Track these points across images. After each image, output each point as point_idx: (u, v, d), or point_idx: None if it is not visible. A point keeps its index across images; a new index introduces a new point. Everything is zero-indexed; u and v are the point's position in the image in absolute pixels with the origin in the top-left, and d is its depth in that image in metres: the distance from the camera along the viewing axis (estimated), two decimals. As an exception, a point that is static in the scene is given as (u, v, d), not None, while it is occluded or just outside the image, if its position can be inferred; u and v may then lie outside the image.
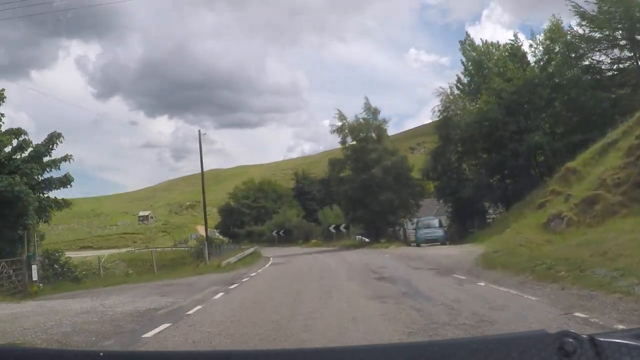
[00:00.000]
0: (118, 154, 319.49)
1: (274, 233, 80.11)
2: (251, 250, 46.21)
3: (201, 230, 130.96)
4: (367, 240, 48.57)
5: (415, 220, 46.06)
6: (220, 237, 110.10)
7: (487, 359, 1.18)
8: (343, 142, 45.53)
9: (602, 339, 1.17)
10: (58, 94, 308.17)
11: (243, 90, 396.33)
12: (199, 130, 39.41)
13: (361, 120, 44.74)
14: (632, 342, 1.18)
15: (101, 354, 1.42)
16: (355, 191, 45.01)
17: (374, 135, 44.77)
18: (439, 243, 35.37)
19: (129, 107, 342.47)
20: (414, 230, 42.28)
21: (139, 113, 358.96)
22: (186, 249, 61.28)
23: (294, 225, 74.84)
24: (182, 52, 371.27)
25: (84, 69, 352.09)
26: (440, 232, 36.29)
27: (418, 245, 35.56)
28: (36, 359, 1.54)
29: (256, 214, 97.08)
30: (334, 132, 45.24)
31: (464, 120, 40.23)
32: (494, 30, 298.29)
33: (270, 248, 67.46)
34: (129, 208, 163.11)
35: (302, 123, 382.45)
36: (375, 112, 44.98)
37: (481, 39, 61.54)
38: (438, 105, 42.57)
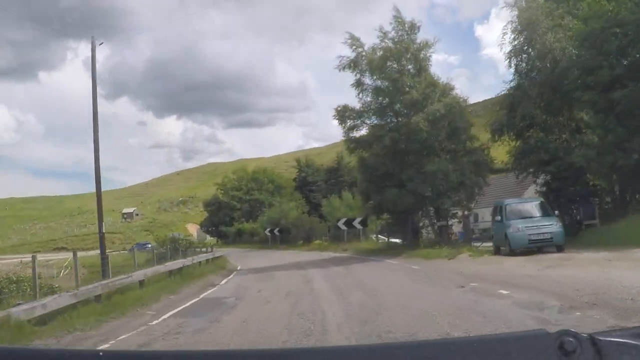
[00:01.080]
0: (126, 154, 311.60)
1: (266, 232, 62.42)
2: (208, 256, 29.44)
3: (192, 228, 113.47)
4: (397, 242, 30.89)
5: (474, 213, 28.33)
6: (209, 237, 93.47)
7: (487, 359, 1.18)
8: (359, 84, 27.61)
9: (601, 338, 1.16)
10: (66, 95, 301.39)
11: (251, 90, 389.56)
12: (92, 37, 21.72)
13: (389, 43, 26.78)
14: (632, 341, 1.16)
15: (101, 353, 1.39)
16: (380, 161, 27.30)
17: (411, 67, 26.90)
18: (553, 248, 18.02)
19: (138, 107, 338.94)
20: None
21: (147, 114, 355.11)
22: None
23: (292, 223, 57.05)
24: (191, 52, 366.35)
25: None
26: (554, 227, 18.42)
27: (514, 254, 17.94)
28: (36, 359, 1.51)
29: (249, 209, 79.56)
30: (343, 68, 27.33)
31: (561, 38, 22.48)
32: None
33: (258, 252, 50.68)
34: (117, 205, 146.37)
35: (311, 123, 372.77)
36: (412, 28, 27.03)
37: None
38: (511, 22, 24.66)
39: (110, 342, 8.56)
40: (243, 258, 39.23)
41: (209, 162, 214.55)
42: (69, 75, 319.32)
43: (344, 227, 38.59)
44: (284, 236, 59.31)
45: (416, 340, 5.11)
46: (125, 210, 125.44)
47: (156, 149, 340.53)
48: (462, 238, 27.91)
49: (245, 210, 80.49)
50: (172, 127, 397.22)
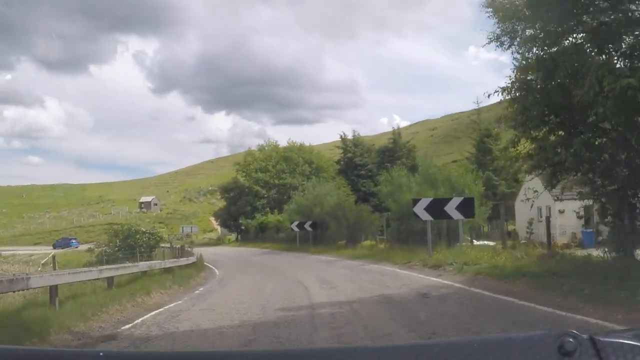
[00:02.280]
0: (175, 149, 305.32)
1: (293, 227, 44.05)
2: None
3: (216, 222, 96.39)
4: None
5: None
6: (227, 233, 76.25)
7: (487, 359, 1.18)
8: None
9: (602, 339, 1.16)
10: (116, 89, 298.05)
11: (301, 86, 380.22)
12: None
13: None
14: (632, 342, 1.16)
15: (101, 353, 1.37)
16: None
17: None
18: None
19: (187, 102, 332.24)
20: None
21: (196, 108, 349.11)
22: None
23: (330, 212, 38.33)
24: (240, 47, 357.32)
25: (141, 64, 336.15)
26: None
27: None
28: (36, 359, 1.50)
29: (277, 197, 61.46)
30: None
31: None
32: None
33: (277, 257, 34.08)
34: (142, 194, 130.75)
35: (360, 120, 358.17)
36: None
37: None
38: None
39: None
40: (239, 271, 21.95)
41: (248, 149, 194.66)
42: (119, 69, 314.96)
43: (428, 218, 19.51)
44: (318, 233, 40.81)
45: (417, 342, 5.00)
46: (143, 199, 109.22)
47: (205, 144, 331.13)
48: None
49: (273, 198, 62.45)
50: (221, 122, 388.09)
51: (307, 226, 41.97)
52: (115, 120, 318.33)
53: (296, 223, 43.26)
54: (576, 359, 1.11)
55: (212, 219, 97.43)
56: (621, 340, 1.17)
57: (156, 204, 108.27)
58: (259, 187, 63.07)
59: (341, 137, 64.37)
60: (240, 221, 60.88)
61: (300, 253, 36.69)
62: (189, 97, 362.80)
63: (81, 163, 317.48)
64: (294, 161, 64.96)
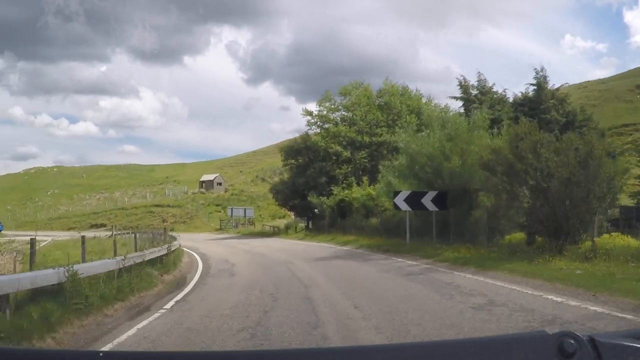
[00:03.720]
0: (269, 138, 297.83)
1: (398, 202, 21.78)
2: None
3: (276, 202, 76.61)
4: None
5: None
6: (293, 216, 54.90)
7: (487, 359, 1.19)
8: None
9: (602, 340, 1.16)
10: (210, 79, 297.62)
11: (394, 74, 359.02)
12: None
13: None
14: (632, 343, 1.16)
15: (101, 354, 1.39)
16: None
17: None
18: None
19: (279, 92, 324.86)
20: None
21: (289, 98, 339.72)
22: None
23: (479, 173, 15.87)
24: (333, 37, 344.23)
25: (234, 55, 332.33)
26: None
27: None
28: (36, 358, 1.49)
29: (367, 163, 39.49)
30: None
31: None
32: None
33: (368, 271, 11.85)
34: (212, 174, 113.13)
35: (454, 111, 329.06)
36: None
37: None
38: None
39: None
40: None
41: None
42: (213, 59, 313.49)
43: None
44: (452, 215, 18.48)
45: (417, 342, 5.12)
46: (204, 178, 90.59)
47: (297, 134, 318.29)
48: None
49: (361, 164, 40.47)
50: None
51: (427, 201, 19.71)
52: (209, 111, 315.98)
53: (403, 196, 21.12)
54: None
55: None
56: (621, 342, 1.14)
57: (220, 184, 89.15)
58: (339, 146, 41.13)
59: (460, 82, 40.85)
60: (309, 199, 39.17)
61: (426, 263, 14.96)
62: (282, 87, 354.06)
63: (176, 152, 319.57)
64: (395, 110, 42.40)
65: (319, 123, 43.68)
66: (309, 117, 44.27)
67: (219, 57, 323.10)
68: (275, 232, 45.74)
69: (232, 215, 54.52)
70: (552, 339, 1.15)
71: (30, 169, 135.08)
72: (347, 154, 41.11)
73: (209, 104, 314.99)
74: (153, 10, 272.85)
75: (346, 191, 36.41)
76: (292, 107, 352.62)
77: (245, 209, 56.87)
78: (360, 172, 40.47)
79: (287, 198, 43.42)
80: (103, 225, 70.49)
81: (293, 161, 44.61)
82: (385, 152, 39.50)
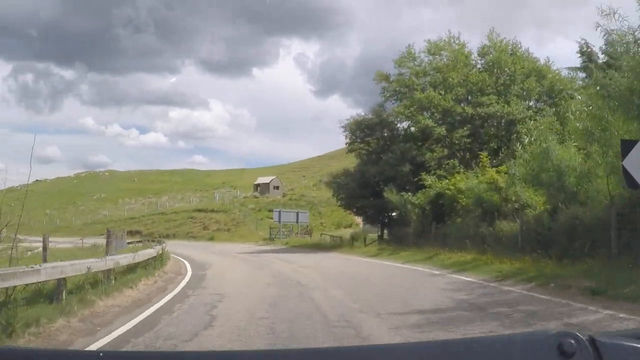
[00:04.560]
0: (337, 151, 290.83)
1: None
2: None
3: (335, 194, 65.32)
4: None
5: None
6: (362, 223, 40.76)
7: (487, 359, 1.18)
8: None
9: (602, 340, 1.14)
10: (278, 91, 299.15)
11: None
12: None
13: None
14: (632, 343, 1.15)
15: (101, 354, 1.36)
16: None
17: None
18: None
19: (348, 104, 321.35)
20: None
21: (357, 111, 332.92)
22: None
23: None
24: (400, 49, 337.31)
25: (303, 67, 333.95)
26: None
27: None
28: (36, 358, 1.45)
29: (470, 143, 26.52)
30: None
31: None
32: None
33: None
34: (269, 176, 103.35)
35: None
36: None
37: None
38: None
39: None
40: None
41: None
42: (282, 71, 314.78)
43: None
44: None
45: (417, 342, 5.01)
46: (259, 181, 79.43)
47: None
48: None
49: (461, 148, 27.53)
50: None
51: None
52: (277, 122, 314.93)
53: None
54: None
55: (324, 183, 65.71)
56: (621, 342, 1.14)
57: (277, 187, 77.59)
58: (429, 120, 28.31)
59: (581, 47, 26.57)
60: (386, 195, 26.43)
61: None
62: (350, 100, 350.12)
63: (245, 163, 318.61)
64: (507, 72, 29.16)
65: (399, 89, 30.82)
66: (384, 83, 31.49)
67: (287, 69, 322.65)
68: (336, 245, 33.17)
69: (280, 221, 42.50)
70: (552, 338, 1.12)
71: (82, 172, 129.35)
72: (441, 130, 28.12)
73: (277, 115, 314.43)
74: (222, 22, 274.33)
75: (445, 181, 23.42)
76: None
77: (298, 213, 44.61)
78: (460, 156, 27.52)
79: (354, 196, 30.65)
80: (138, 232, 60.25)
81: (362, 144, 31.96)
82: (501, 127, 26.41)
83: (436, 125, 28.44)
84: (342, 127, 31.77)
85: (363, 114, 31.84)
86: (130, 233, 61.36)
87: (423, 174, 25.32)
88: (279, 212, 43.23)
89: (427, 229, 23.71)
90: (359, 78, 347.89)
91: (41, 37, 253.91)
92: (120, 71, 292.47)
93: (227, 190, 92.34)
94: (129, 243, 26.36)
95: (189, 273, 16.35)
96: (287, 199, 73.84)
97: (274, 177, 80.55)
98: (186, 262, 20.57)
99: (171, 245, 41.34)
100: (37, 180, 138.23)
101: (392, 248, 24.70)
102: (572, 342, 1.11)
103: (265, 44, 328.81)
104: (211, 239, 50.03)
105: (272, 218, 57.51)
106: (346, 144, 32.46)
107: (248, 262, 21.75)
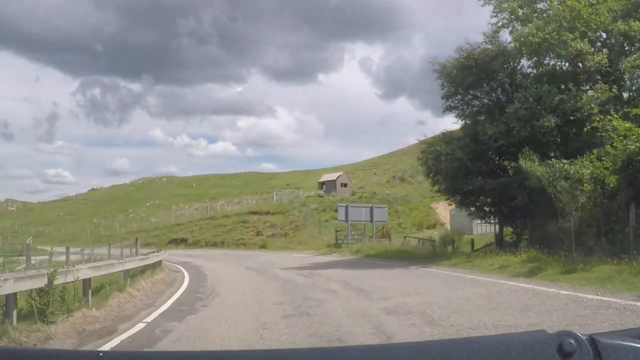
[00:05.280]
0: (409, 147, 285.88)
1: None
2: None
3: (442, 208, 53.90)
4: None
5: None
6: (468, 223, 29.13)
7: (487, 359, 1.15)
8: None
9: (602, 340, 1.12)
10: (344, 95, 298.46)
11: None
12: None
13: None
14: (632, 343, 1.12)
15: (101, 354, 1.32)
16: None
17: None
18: None
19: (415, 106, 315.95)
20: None
21: (425, 112, 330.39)
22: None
23: None
24: (465, 47, 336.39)
25: (368, 71, 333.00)
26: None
27: None
28: (36, 359, 1.42)
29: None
30: None
31: None
32: None
33: None
34: (335, 172, 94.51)
35: None
36: None
37: None
38: None
39: None
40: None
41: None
42: (347, 76, 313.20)
43: None
44: None
45: (416, 341, 4.71)
46: (323, 178, 69.64)
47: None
48: None
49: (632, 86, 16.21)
50: (450, 126, 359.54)
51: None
52: (344, 127, 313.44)
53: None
54: None
55: (438, 204, 56.79)
56: (621, 341, 1.11)
57: (345, 184, 67.28)
58: (583, 43, 17.12)
59: None
60: (523, 164, 15.45)
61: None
62: (417, 102, 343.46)
63: (313, 167, 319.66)
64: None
65: (520, 12, 19.77)
66: (495, 3, 20.43)
67: (352, 73, 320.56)
68: (430, 253, 22.33)
69: (347, 220, 31.78)
70: (551, 338, 1.11)
71: (138, 179, 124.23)
72: (601, 58, 16.96)
73: (344, 120, 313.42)
74: (285, 29, 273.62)
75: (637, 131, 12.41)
76: (429, 120, 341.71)
77: (372, 208, 33.55)
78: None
79: (461, 173, 19.54)
80: (184, 240, 51.67)
81: (469, 94, 21.01)
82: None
83: (593, 50, 17.29)
84: (436, 71, 20.87)
85: (468, 46, 20.65)
86: (175, 242, 53.01)
87: (596, 120, 14.27)
88: (346, 207, 32.53)
89: (613, 220, 12.75)
90: (425, 79, 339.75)
91: (106, 51, 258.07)
92: (186, 82, 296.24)
93: (290, 192, 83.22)
94: (147, 253, 17.83)
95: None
96: (357, 197, 63.33)
97: (341, 173, 70.39)
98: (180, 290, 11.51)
99: (204, 257, 32.06)
100: (92, 189, 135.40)
101: (546, 259, 13.66)
102: (572, 342, 1.08)
103: (329, 49, 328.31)
104: (263, 246, 40.37)
105: (338, 219, 47.64)
106: (442, 98, 21.36)
107: (285, 292, 11.72)
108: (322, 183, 69.03)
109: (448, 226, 45.22)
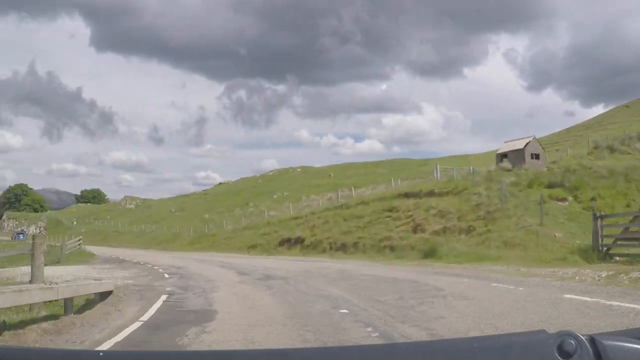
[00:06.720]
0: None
1: None
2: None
3: None
4: None
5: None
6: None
7: (487, 359, 1.16)
8: None
9: (602, 340, 1.13)
10: (490, 89, 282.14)
11: None
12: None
13: None
14: (632, 344, 1.13)
15: (101, 353, 1.35)
16: None
17: None
18: None
19: (562, 97, 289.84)
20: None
21: (573, 103, 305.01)
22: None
23: None
24: (614, 34, 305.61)
25: (513, 62, 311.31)
26: None
27: None
28: (36, 358, 1.44)
29: None
30: None
31: None
32: None
33: None
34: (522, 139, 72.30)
35: None
36: None
37: None
38: None
39: None
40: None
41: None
42: (492, 69, 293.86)
43: None
44: None
45: (416, 341, 5.03)
46: (504, 148, 48.65)
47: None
48: None
49: None
50: (602, 117, 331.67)
51: None
52: (490, 121, 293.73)
53: None
54: None
55: None
56: (622, 342, 1.11)
57: (536, 156, 45.61)
58: None
59: None
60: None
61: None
62: (565, 92, 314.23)
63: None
64: None
65: None
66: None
67: (497, 65, 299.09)
68: None
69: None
70: (552, 338, 1.11)
71: (270, 171, 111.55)
72: None
73: (490, 113, 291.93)
74: (426, 25, 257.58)
75: None
76: (577, 111, 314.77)
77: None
78: None
79: None
80: (300, 240, 34.34)
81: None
82: None
83: None
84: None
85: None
86: (287, 243, 36.06)
87: None
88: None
89: None
90: (571, 69, 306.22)
91: (250, 54, 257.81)
92: (330, 82, 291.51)
93: (456, 170, 62.92)
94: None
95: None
96: (562, 170, 41.60)
97: (530, 139, 48.84)
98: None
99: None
100: (220, 183, 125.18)
101: None
102: (572, 342, 1.08)
103: (472, 42, 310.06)
104: (429, 253, 21.41)
105: (560, 200, 27.34)
106: None
107: None
108: (503, 155, 47.71)
109: None
